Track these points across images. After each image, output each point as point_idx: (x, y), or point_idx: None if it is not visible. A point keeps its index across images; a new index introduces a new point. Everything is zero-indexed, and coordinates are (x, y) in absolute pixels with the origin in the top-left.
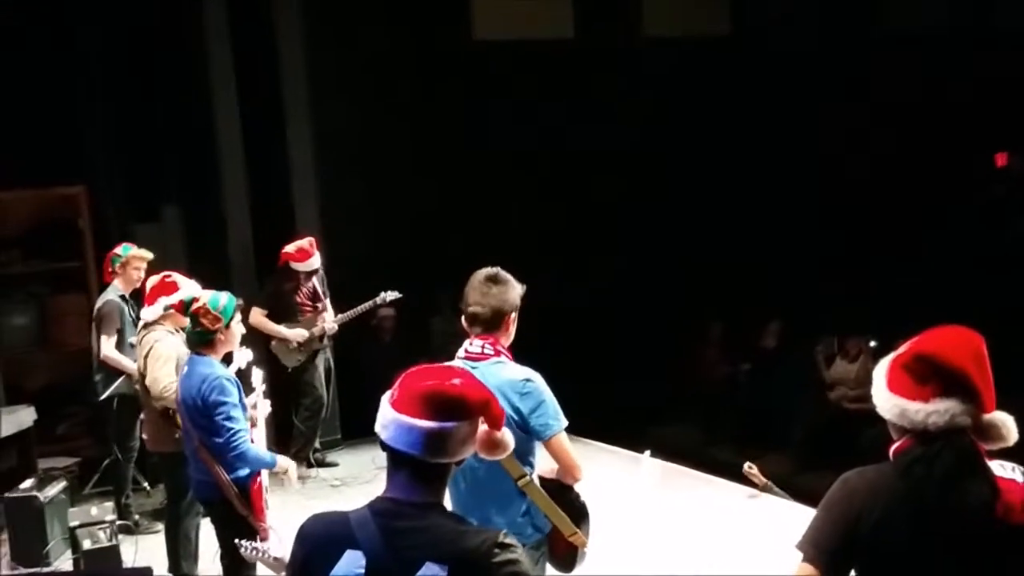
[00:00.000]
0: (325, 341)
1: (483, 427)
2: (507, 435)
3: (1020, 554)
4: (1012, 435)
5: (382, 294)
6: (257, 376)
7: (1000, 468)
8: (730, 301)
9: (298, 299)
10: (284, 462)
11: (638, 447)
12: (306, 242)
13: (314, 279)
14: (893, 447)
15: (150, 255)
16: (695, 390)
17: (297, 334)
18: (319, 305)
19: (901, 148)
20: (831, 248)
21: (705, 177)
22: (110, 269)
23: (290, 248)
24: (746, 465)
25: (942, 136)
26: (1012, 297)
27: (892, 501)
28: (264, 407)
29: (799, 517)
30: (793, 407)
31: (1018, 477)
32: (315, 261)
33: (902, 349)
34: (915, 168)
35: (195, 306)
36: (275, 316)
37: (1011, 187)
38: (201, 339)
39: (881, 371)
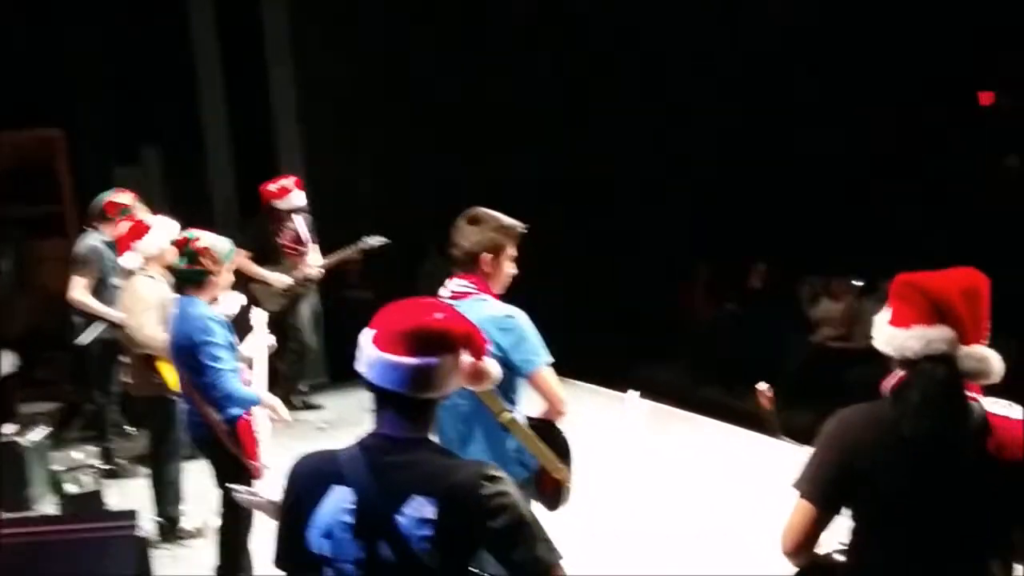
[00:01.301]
0: (309, 285)
1: (467, 358)
2: (492, 364)
3: (1013, 492)
4: (993, 370)
5: (365, 239)
6: (256, 316)
7: (994, 404)
8: (716, 242)
9: (281, 241)
10: (270, 399)
11: (624, 387)
12: (288, 180)
13: (298, 221)
14: (886, 382)
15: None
16: (682, 330)
17: (279, 279)
18: (302, 248)
19: (887, 88)
20: (817, 189)
21: (693, 121)
22: (111, 217)
23: (271, 186)
24: (763, 385)
25: (925, 76)
26: (997, 238)
27: (882, 434)
28: (264, 345)
29: (785, 456)
30: (779, 347)
31: (1013, 414)
32: (296, 199)
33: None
34: (901, 108)
35: (197, 244)
36: (258, 259)
37: (997, 126)
38: (194, 277)
39: (886, 306)
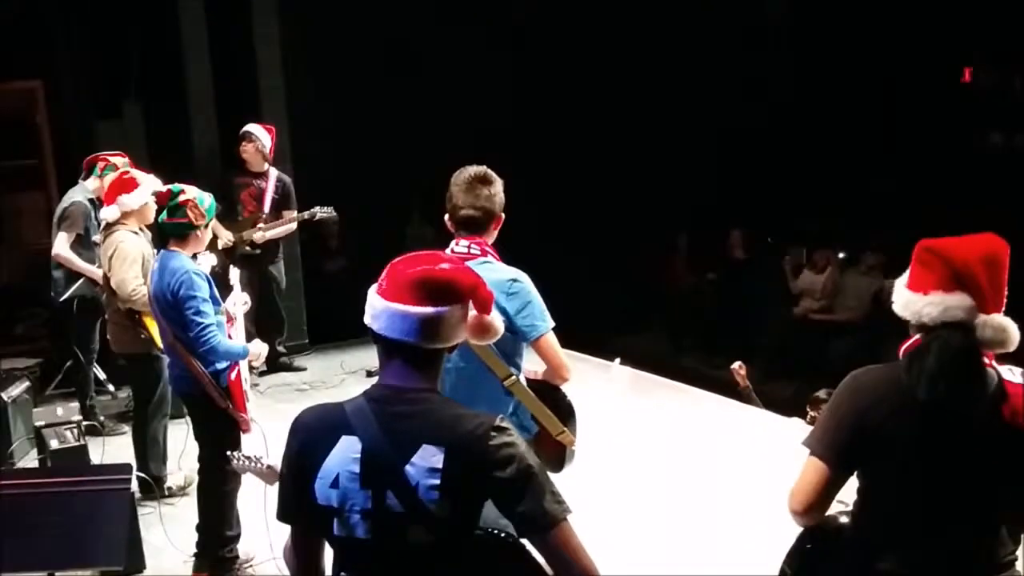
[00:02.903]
0: (257, 250)
1: (472, 312)
2: (497, 319)
3: (1019, 456)
4: (1011, 339)
5: (314, 209)
6: (234, 274)
7: (1009, 372)
8: (699, 211)
9: (243, 195)
10: (256, 348)
11: (608, 355)
12: (254, 127)
13: (271, 182)
14: (904, 345)
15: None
16: (664, 299)
17: (222, 234)
18: (262, 213)
19: (871, 62)
20: (802, 160)
21: (676, 88)
22: (99, 175)
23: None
24: (735, 364)
25: (912, 50)
26: (981, 211)
27: (896, 397)
28: (242, 301)
29: (767, 425)
30: (761, 317)
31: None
32: (257, 164)
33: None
34: (885, 83)
35: (182, 198)
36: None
37: (980, 101)
38: (179, 231)
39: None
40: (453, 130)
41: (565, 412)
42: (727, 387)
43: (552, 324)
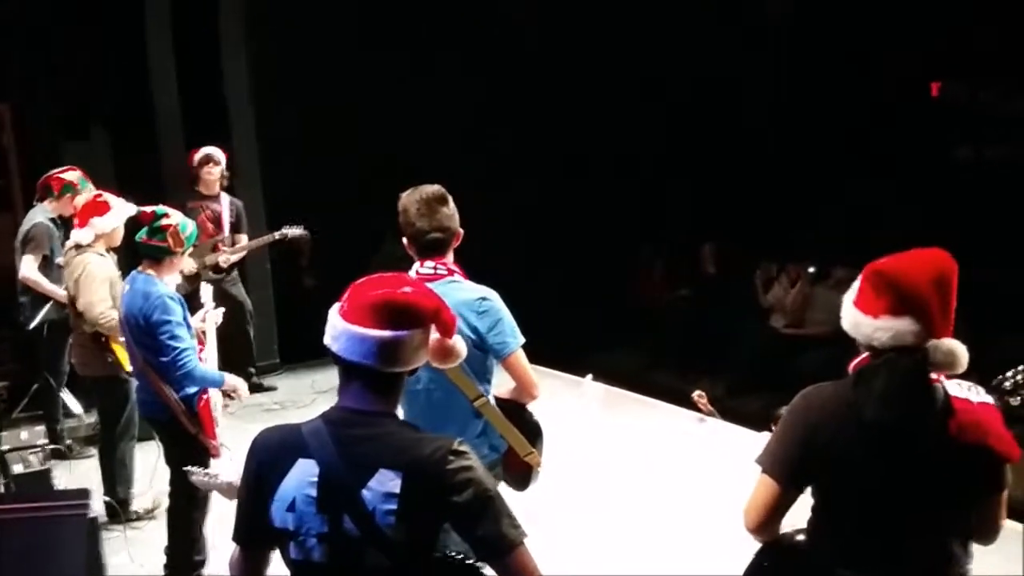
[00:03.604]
0: (222, 274)
1: (435, 335)
2: (459, 343)
3: (974, 471)
4: (960, 363)
5: (284, 228)
6: (206, 291)
7: (957, 387)
8: (671, 227)
9: (200, 220)
10: (232, 380)
11: (580, 372)
12: (211, 150)
13: (224, 204)
14: (853, 363)
15: (93, 191)
16: (637, 315)
17: (185, 262)
18: (221, 235)
19: (839, 77)
20: (772, 175)
21: (650, 100)
22: (56, 194)
23: (196, 155)
24: (695, 393)
25: (880, 65)
26: (951, 226)
27: (844, 416)
28: (212, 320)
29: (738, 440)
30: (733, 332)
31: (972, 396)
32: (216, 187)
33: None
34: (853, 98)
35: (166, 221)
36: None
37: (949, 116)
38: (156, 253)
39: (854, 285)
40: (425, 147)
41: (532, 432)
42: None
43: (522, 340)
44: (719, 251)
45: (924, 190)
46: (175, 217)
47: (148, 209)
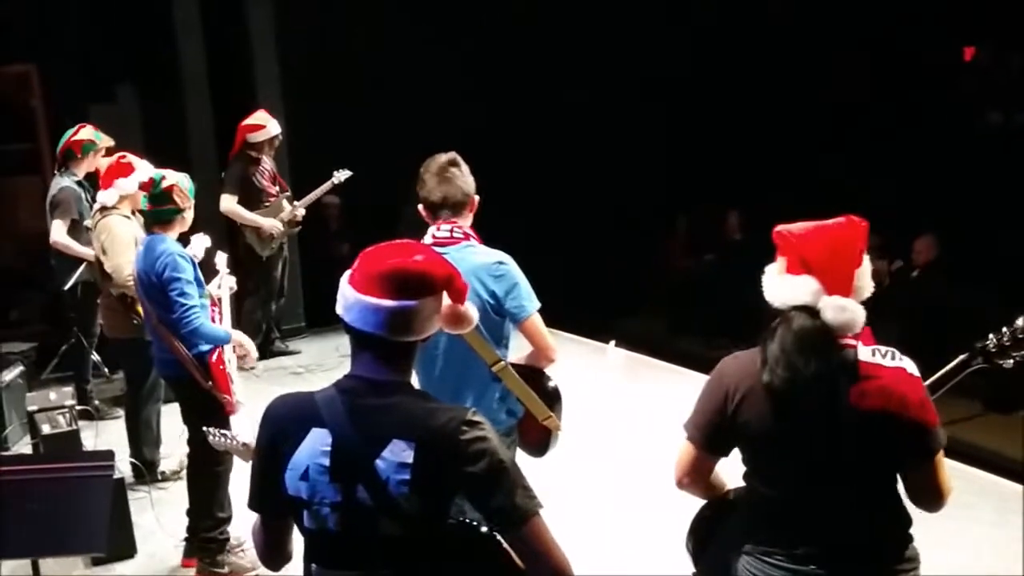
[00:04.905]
0: (297, 227)
1: (447, 301)
2: (471, 309)
3: (882, 438)
4: (854, 321)
5: (335, 174)
6: (220, 258)
7: (873, 353)
8: (695, 193)
9: (260, 183)
10: (239, 336)
11: (604, 338)
12: (260, 113)
13: (270, 164)
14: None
15: (111, 141)
16: (661, 280)
17: (272, 224)
18: (279, 189)
19: (867, 43)
20: (797, 142)
21: (673, 75)
22: (79, 156)
23: (248, 120)
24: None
25: (909, 30)
26: (982, 192)
27: (753, 381)
28: (228, 284)
29: None
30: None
31: (887, 362)
32: (274, 127)
33: None
34: (882, 63)
35: (166, 184)
36: (243, 202)
37: (980, 81)
38: (164, 216)
39: None
40: (451, 111)
41: (551, 396)
42: None
43: (538, 304)
44: (744, 216)
45: (953, 155)
46: (172, 176)
47: (144, 178)
